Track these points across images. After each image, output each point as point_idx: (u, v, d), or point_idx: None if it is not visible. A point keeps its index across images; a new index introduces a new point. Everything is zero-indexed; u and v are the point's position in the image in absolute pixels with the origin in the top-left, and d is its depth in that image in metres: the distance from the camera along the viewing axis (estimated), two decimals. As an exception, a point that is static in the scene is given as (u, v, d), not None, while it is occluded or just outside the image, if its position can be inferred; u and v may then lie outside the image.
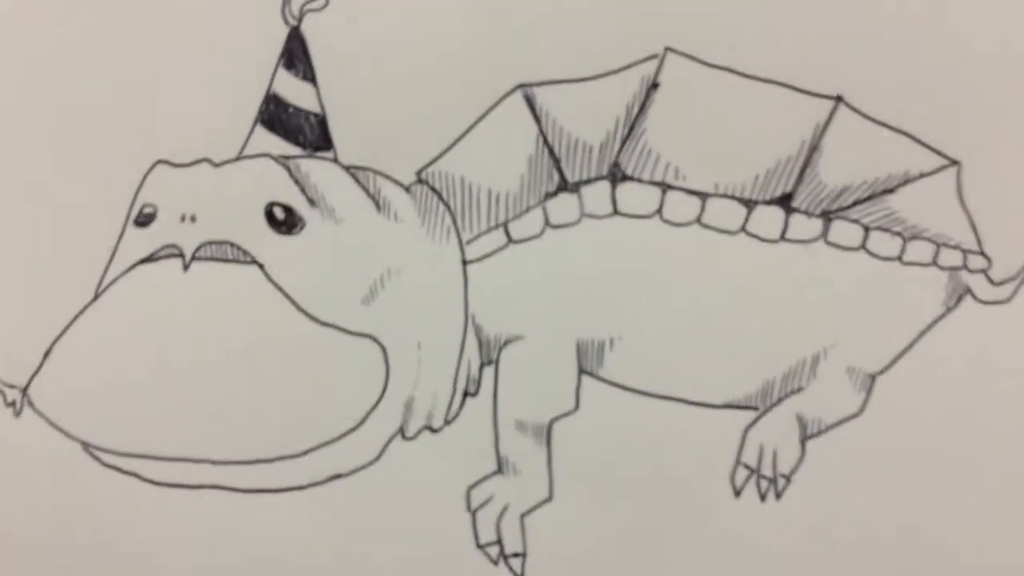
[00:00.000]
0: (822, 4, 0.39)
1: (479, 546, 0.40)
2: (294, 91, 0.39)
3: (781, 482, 0.40)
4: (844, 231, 0.39)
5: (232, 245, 0.38)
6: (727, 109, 0.39)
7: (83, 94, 0.39)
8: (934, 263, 0.39)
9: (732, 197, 0.39)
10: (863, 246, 0.39)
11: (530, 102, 0.39)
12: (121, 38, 0.39)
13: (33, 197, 0.39)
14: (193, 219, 0.38)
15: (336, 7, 0.39)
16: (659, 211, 0.39)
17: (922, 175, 0.39)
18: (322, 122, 0.39)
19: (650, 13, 0.39)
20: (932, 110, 0.39)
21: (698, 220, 0.39)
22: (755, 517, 0.40)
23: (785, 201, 0.39)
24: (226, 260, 0.38)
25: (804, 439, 0.40)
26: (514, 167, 0.39)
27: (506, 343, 0.40)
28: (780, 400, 0.40)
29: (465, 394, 0.40)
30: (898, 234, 0.39)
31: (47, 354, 0.39)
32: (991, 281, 0.39)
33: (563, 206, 0.39)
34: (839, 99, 0.39)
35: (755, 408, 0.40)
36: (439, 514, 0.40)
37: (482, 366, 0.40)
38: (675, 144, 0.39)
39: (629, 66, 0.39)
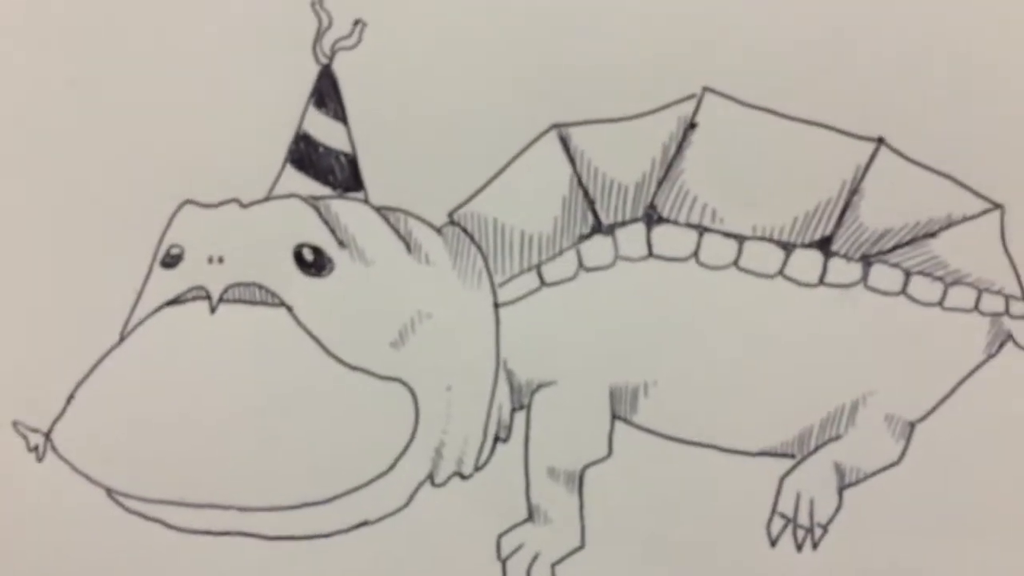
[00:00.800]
0: (863, 45, 0.38)
1: None
2: (325, 130, 0.39)
3: (818, 532, 0.39)
4: (884, 275, 0.38)
5: (260, 287, 0.37)
6: (766, 150, 0.38)
7: (110, 132, 0.38)
8: (976, 309, 0.38)
9: (770, 240, 0.38)
10: (903, 291, 0.38)
11: (565, 142, 0.39)
12: (149, 75, 0.38)
13: (58, 237, 0.38)
14: (221, 260, 0.38)
15: (368, 45, 0.38)
16: (695, 254, 0.38)
17: (965, 219, 0.39)
18: (353, 162, 0.39)
19: (688, 53, 0.38)
20: (975, 153, 0.38)
21: (735, 263, 0.38)
22: (791, 567, 0.39)
23: (824, 244, 0.38)
24: (254, 302, 0.37)
25: (842, 488, 0.39)
26: (548, 208, 0.39)
27: (538, 388, 0.39)
28: (817, 448, 0.39)
29: (496, 440, 0.39)
30: (939, 279, 0.39)
31: (71, 398, 0.38)
32: None
33: (597, 248, 0.39)
34: (880, 141, 0.38)
35: (792, 456, 0.39)
36: (469, 562, 0.39)
37: (513, 411, 0.39)
38: (712, 186, 0.38)
39: (666, 106, 0.38)
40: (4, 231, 0.39)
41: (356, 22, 0.38)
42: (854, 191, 0.39)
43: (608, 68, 0.38)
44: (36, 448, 0.38)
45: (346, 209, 0.39)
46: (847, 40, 0.38)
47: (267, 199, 0.38)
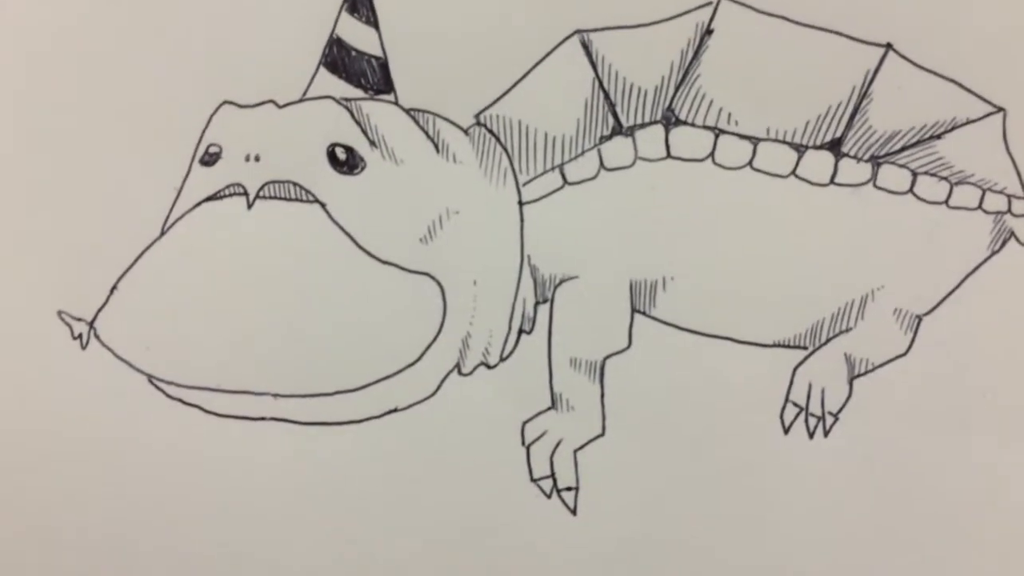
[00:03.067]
0: None
1: (533, 480, 0.40)
2: (357, 35, 0.40)
3: (829, 420, 0.40)
4: (892, 175, 0.40)
5: (295, 184, 0.38)
6: (779, 56, 0.39)
7: (150, 35, 0.39)
8: (980, 207, 0.39)
9: (783, 142, 0.39)
10: (911, 190, 0.39)
11: (586, 47, 0.39)
12: None
13: (100, 137, 0.39)
14: (257, 159, 0.39)
15: None
16: (711, 155, 0.39)
17: (968, 121, 0.39)
18: (384, 66, 0.40)
19: None
20: (979, 58, 0.39)
21: (750, 164, 0.39)
22: (803, 454, 0.40)
23: (835, 146, 0.40)
24: (289, 199, 0.38)
25: (852, 378, 0.40)
26: (570, 111, 0.40)
27: (561, 282, 0.40)
28: (829, 340, 0.40)
29: (520, 332, 0.40)
30: (945, 179, 0.40)
31: (113, 289, 0.39)
32: None
33: (618, 149, 0.40)
34: (889, 46, 0.39)
35: (804, 348, 0.40)
36: (494, 448, 0.40)
37: (537, 305, 0.40)
38: (728, 90, 0.39)
39: (684, 13, 0.39)
40: (51, 131, 0.40)
41: None
42: (863, 95, 0.40)
43: None
44: (80, 336, 0.40)
45: (377, 110, 0.40)
46: None
47: (302, 100, 0.39)
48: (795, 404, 0.41)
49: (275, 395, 0.40)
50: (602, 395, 0.41)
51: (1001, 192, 0.40)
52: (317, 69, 0.40)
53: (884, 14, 0.39)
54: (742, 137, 0.40)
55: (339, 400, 0.40)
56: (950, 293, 0.40)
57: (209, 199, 0.39)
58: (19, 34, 0.40)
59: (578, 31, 0.40)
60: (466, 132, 0.40)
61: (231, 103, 0.39)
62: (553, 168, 0.40)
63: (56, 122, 0.40)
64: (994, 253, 0.40)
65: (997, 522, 0.41)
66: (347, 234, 0.39)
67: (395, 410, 0.40)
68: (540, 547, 0.41)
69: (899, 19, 0.40)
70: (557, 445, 0.41)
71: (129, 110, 0.40)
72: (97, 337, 0.39)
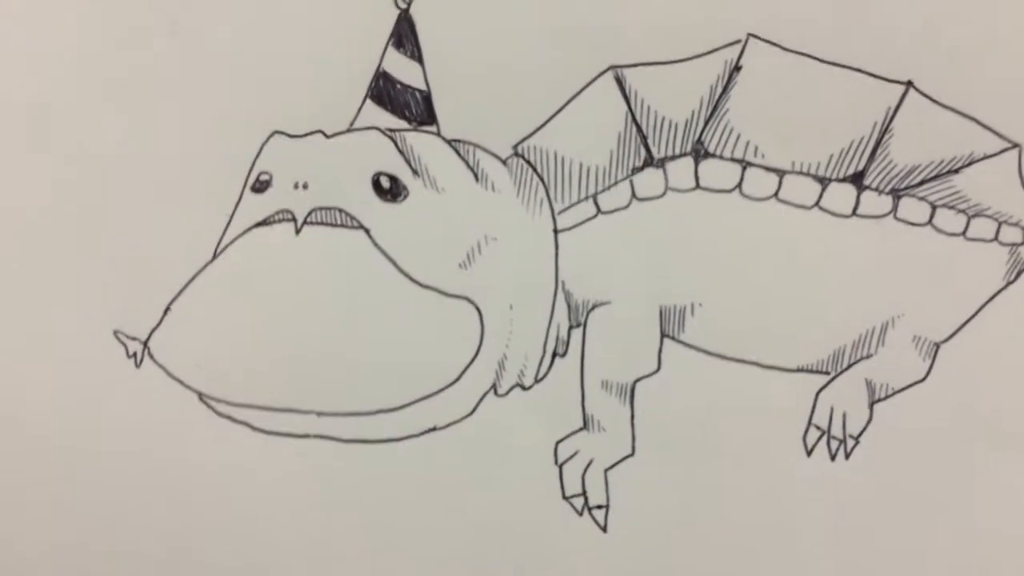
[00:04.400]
0: None
1: (565, 497, 0.42)
2: (402, 69, 0.41)
3: (850, 443, 0.42)
4: (912, 208, 0.41)
5: (341, 211, 0.40)
6: (804, 92, 0.41)
7: (207, 68, 0.41)
8: (996, 239, 0.41)
9: (807, 174, 0.41)
10: (930, 222, 0.41)
11: (620, 83, 0.41)
12: (246, 20, 0.41)
13: (157, 164, 0.41)
14: (306, 186, 0.40)
15: None
16: (739, 186, 0.41)
17: (985, 156, 0.41)
18: (427, 98, 0.41)
19: (734, 1, 0.42)
20: (996, 96, 0.40)
21: (775, 195, 0.41)
22: (825, 475, 0.41)
23: (857, 179, 0.41)
24: (335, 225, 0.40)
25: (872, 403, 0.42)
26: (604, 143, 0.41)
27: (593, 307, 0.41)
28: (850, 366, 0.41)
29: (554, 355, 0.42)
30: (963, 211, 0.41)
31: (167, 310, 0.41)
32: None
33: (649, 180, 0.41)
34: (909, 84, 0.40)
35: (827, 373, 0.42)
36: (528, 467, 0.42)
37: (571, 329, 0.42)
38: (755, 124, 0.41)
39: (714, 50, 0.40)
40: (111, 157, 0.41)
41: None
42: (885, 130, 0.41)
43: (661, 14, 0.41)
44: (135, 355, 0.41)
45: (420, 141, 0.41)
46: None
47: (349, 130, 0.41)
48: (817, 427, 0.42)
49: (319, 413, 0.42)
50: (632, 416, 0.42)
51: (1016, 224, 0.41)
52: (364, 101, 0.42)
53: (905, 53, 0.41)
54: (768, 170, 0.42)
55: (380, 418, 0.42)
56: (967, 321, 0.42)
57: (259, 224, 0.41)
58: (82, 65, 0.42)
59: (612, 67, 0.41)
60: (504, 162, 0.42)
61: (281, 133, 0.41)
62: (587, 198, 0.41)
63: (117, 149, 0.41)
64: (1010, 283, 0.42)
65: (1016, 544, 0.42)
66: (390, 259, 0.41)
67: (434, 429, 0.42)
68: (571, 562, 0.42)
69: (920, 58, 0.41)
70: (589, 464, 0.42)
71: (185, 139, 0.41)
72: (151, 356, 0.41)
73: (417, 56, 0.42)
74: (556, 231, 0.41)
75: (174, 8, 0.41)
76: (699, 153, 0.42)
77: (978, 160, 0.42)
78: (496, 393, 0.41)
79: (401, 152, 0.41)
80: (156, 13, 0.41)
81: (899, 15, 0.41)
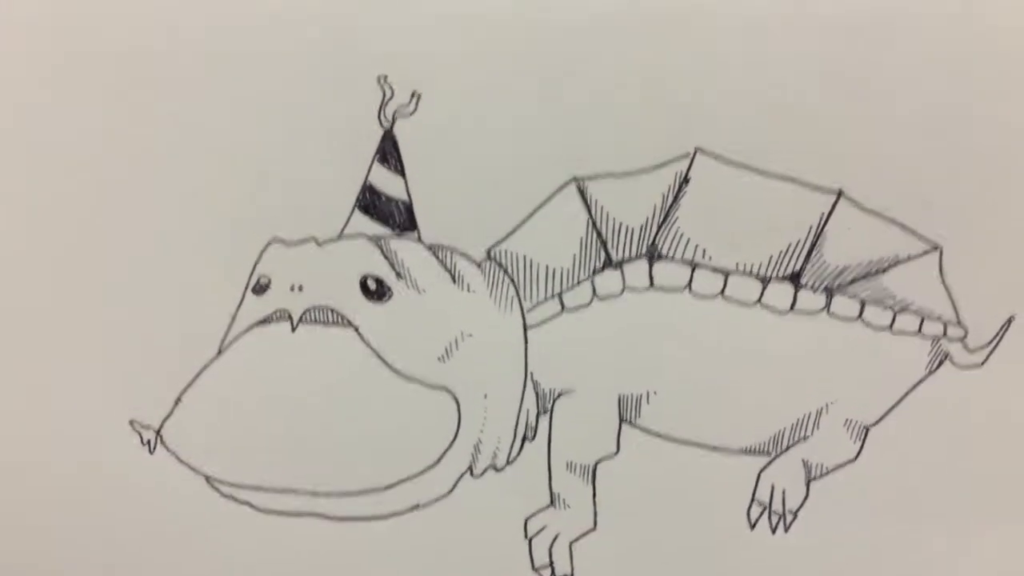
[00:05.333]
0: (827, 114, 0.44)
1: (534, 568, 0.46)
2: (386, 182, 0.46)
3: (789, 517, 0.46)
4: (844, 304, 0.45)
5: (332, 311, 0.45)
6: (747, 200, 0.45)
7: (214, 183, 0.45)
8: (919, 332, 0.45)
9: (750, 274, 0.45)
10: (860, 317, 0.45)
11: (582, 192, 0.45)
12: (249, 141, 0.45)
13: (166, 268, 0.45)
14: (301, 288, 0.45)
15: (423, 113, 0.45)
16: (689, 285, 0.45)
17: (909, 258, 0.45)
18: (409, 208, 0.46)
19: (683, 119, 0.45)
20: (918, 204, 0.45)
21: (721, 293, 0.45)
22: (767, 547, 0.46)
23: (795, 278, 0.46)
24: (327, 323, 0.45)
25: (809, 481, 0.46)
26: (568, 247, 0.46)
27: (559, 396, 0.46)
28: (789, 447, 0.46)
29: (524, 439, 0.46)
30: (889, 307, 0.45)
31: (177, 401, 0.45)
32: (967, 348, 0.45)
33: (608, 280, 0.46)
34: (840, 193, 0.45)
35: (768, 454, 0.46)
36: (501, 540, 0.46)
37: (539, 415, 0.46)
38: (703, 229, 0.45)
39: (665, 164, 0.45)
40: (128, 268, 0.45)
41: (413, 94, 0.45)
42: (819, 234, 0.46)
43: (618, 132, 0.45)
44: (148, 443, 0.46)
45: (403, 246, 0.46)
46: (813, 109, 0.45)
47: (339, 238, 0.45)
48: (760, 503, 0.47)
49: (314, 493, 0.46)
50: (594, 494, 0.46)
51: (938, 319, 0.46)
52: (352, 211, 0.46)
53: (836, 165, 0.46)
54: (715, 270, 0.46)
55: (369, 497, 0.46)
56: (894, 406, 0.46)
57: (260, 323, 0.45)
58: (87, 165, 0.46)
59: (575, 178, 0.46)
60: (479, 265, 0.46)
61: (279, 240, 0.46)
62: (553, 296, 0.46)
63: (130, 259, 0.46)
64: (932, 372, 0.46)
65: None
66: (376, 353, 0.45)
67: (417, 506, 0.46)
68: (541, 625, 0.48)
69: (850, 169, 0.46)
70: (555, 538, 0.46)
71: (193, 247, 0.46)
72: (163, 443, 0.46)
73: (400, 170, 0.46)
74: (525, 327, 0.46)
75: (181, 123, 0.46)
76: (653, 256, 0.46)
77: (903, 261, 0.46)
78: (472, 474, 0.46)
79: (386, 257, 0.46)
80: (165, 130, 0.46)
81: (830, 131, 0.46)
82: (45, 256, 0.46)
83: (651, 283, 0.46)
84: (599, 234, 0.46)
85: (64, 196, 0.46)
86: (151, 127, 0.46)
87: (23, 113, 0.45)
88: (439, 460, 0.45)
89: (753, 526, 0.46)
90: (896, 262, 0.46)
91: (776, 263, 0.46)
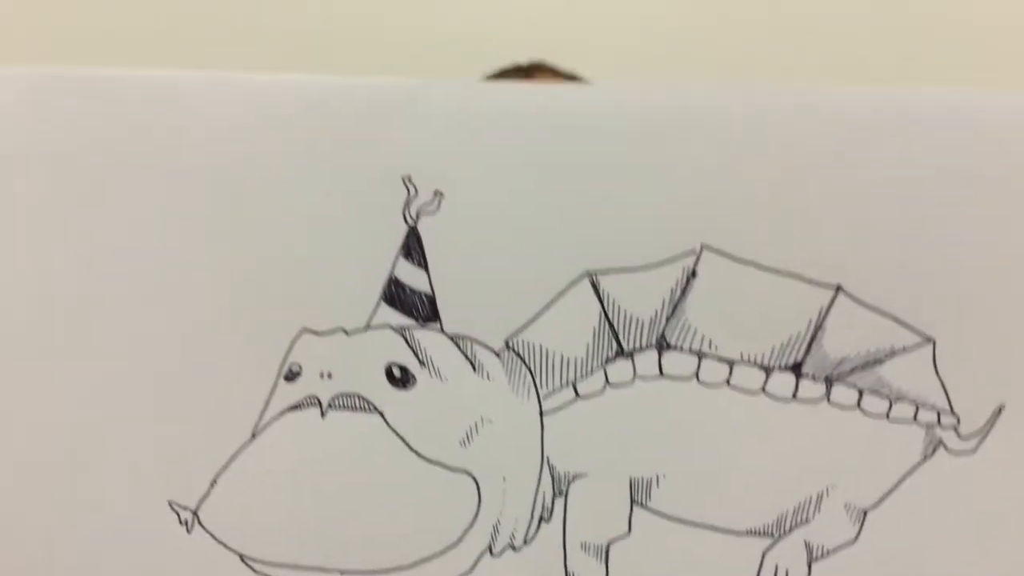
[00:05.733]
0: (827, 215, 0.47)
1: None
2: (411, 276, 0.49)
3: None
4: (843, 393, 0.48)
5: (359, 397, 0.47)
6: (750, 294, 0.48)
7: (249, 279, 0.48)
8: (915, 420, 0.48)
9: (754, 364, 0.48)
10: (858, 406, 0.48)
11: (595, 286, 0.48)
12: (282, 236, 0.48)
13: (204, 357, 0.48)
14: (330, 376, 0.48)
15: (446, 211, 0.48)
16: (696, 374, 0.48)
17: (905, 349, 0.48)
18: (432, 300, 0.49)
19: (690, 218, 0.48)
20: (913, 298, 0.48)
21: (727, 382, 0.48)
22: None
23: (796, 368, 0.48)
24: (355, 409, 0.48)
25: (810, 562, 0.49)
26: (581, 337, 0.48)
27: (573, 479, 0.48)
28: (791, 529, 0.48)
29: (541, 520, 0.48)
30: (886, 396, 0.48)
31: (213, 482, 0.48)
32: (960, 436, 0.48)
33: (620, 369, 0.49)
34: (839, 288, 0.48)
35: (771, 535, 0.48)
36: None
37: (555, 497, 0.48)
38: (709, 321, 0.48)
39: (673, 259, 0.48)
40: (167, 357, 0.48)
41: (435, 193, 0.48)
42: (819, 327, 0.49)
43: (629, 230, 0.48)
44: (186, 522, 0.48)
45: (426, 336, 0.49)
46: (813, 208, 0.48)
47: (366, 328, 0.48)
48: (764, 582, 0.50)
49: (342, 571, 0.48)
50: (607, 573, 0.49)
51: (932, 408, 0.48)
52: (378, 303, 0.49)
53: (836, 261, 0.48)
54: (720, 360, 0.49)
55: (394, 575, 0.49)
56: (891, 491, 0.49)
57: (291, 408, 0.48)
58: (130, 257, 0.49)
59: (588, 273, 0.49)
60: (497, 354, 0.49)
61: (309, 331, 0.48)
62: (567, 384, 0.49)
63: (171, 344, 0.48)
64: (927, 458, 0.48)
65: None
66: (401, 438, 0.48)
67: (439, 583, 0.49)
68: None
69: (849, 266, 0.48)
70: (570, 615, 0.50)
71: (228, 335, 0.48)
72: (200, 523, 0.48)
73: (423, 265, 0.49)
74: (542, 413, 0.49)
75: (218, 221, 0.49)
76: (662, 346, 0.49)
77: (898, 352, 0.49)
78: (491, 553, 0.48)
79: (410, 346, 0.49)
80: (203, 227, 0.49)
81: (829, 230, 0.48)
82: (85, 342, 0.49)
83: (660, 372, 0.49)
84: (611, 325, 0.49)
85: (106, 283, 0.49)
86: (189, 224, 0.49)
87: (65, 204, 0.49)
88: (460, 539, 0.48)
89: (758, 605, 0.49)
90: (892, 353, 0.49)
91: (779, 354, 0.49)
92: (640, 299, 0.49)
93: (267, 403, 0.48)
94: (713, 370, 0.48)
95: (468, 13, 1.27)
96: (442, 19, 1.27)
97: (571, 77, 1.05)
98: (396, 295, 0.49)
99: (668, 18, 1.28)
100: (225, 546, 0.48)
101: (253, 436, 0.48)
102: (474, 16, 1.27)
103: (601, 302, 0.49)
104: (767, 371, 0.49)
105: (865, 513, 0.48)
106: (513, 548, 0.49)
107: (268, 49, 1.23)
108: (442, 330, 0.49)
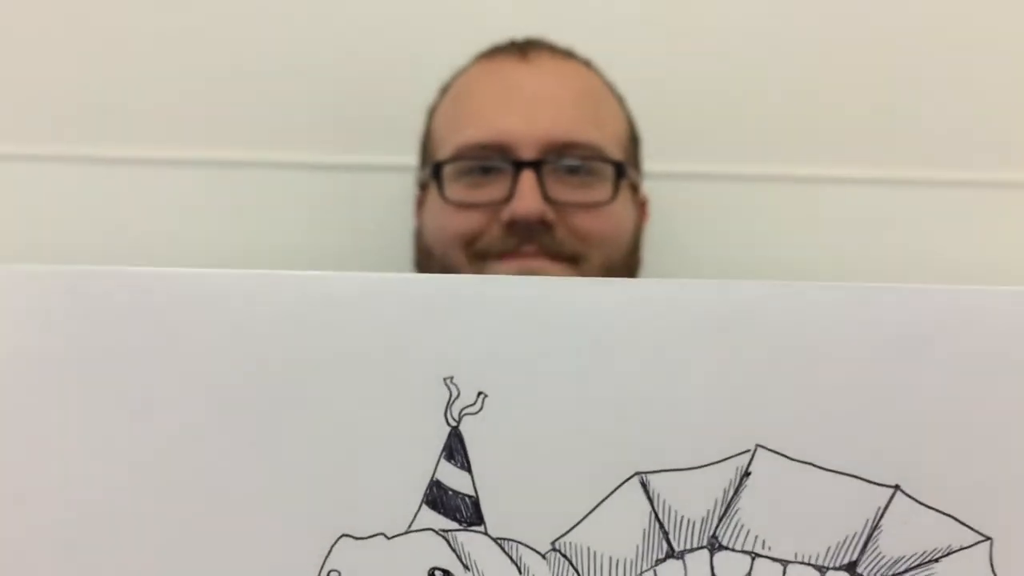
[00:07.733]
0: (882, 415, 0.47)
1: None
2: (453, 478, 0.47)
3: None
4: None
5: None
6: (805, 493, 0.46)
7: (286, 482, 0.46)
8: None
9: (808, 563, 0.46)
10: None
11: (645, 486, 0.47)
12: (322, 439, 0.46)
13: (242, 565, 0.46)
14: None
15: (488, 411, 0.46)
16: (749, 575, 0.49)
17: (961, 548, 0.47)
18: (475, 503, 0.47)
19: (745, 417, 0.47)
20: (971, 496, 0.47)
21: None
22: None
23: (851, 568, 0.47)
24: None
25: None
26: (631, 538, 0.47)
27: None
28: None
29: None
30: None
31: None
32: None
33: (670, 570, 0.47)
34: (897, 488, 0.47)
35: None
36: None
37: None
38: (762, 520, 0.46)
39: (726, 458, 0.46)
40: (205, 563, 0.47)
41: (479, 394, 0.46)
42: (875, 527, 0.48)
43: (680, 428, 0.47)
44: None
45: (469, 539, 0.47)
46: (868, 410, 0.46)
47: (407, 532, 0.47)
48: None
49: None
50: None
51: None
52: (420, 506, 0.47)
53: (894, 463, 0.47)
54: (774, 560, 0.47)
55: None
56: None
57: (331, 619, 0.47)
58: (160, 465, 0.47)
59: (638, 472, 0.47)
60: (543, 556, 0.47)
61: (348, 535, 0.47)
62: None
63: (208, 552, 0.47)
64: None
65: None
66: None
67: None
68: None
69: (906, 467, 0.47)
70: None
71: (267, 541, 0.46)
72: None
73: (466, 466, 0.47)
74: (590, 617, 0.48)
75: (255, 425, 0.47)
76: (714, 546, 0.48)
77: (955, 551, 0.48)
78: None
79: (454, 550, 0.47)
80: (239, 432, 0.47)
81: (888, 430, 0.47)
82: (121, 545, 0.47)
83: (712, 573, 0.47)
84: (661, 525, 0.48)
85: (145, 487, 0.47)
86: (229, 428, 0.47)
87: (113, 414, 0.47)
88: None
89: None
90: (949, 552, 0.48)
91: (834, 553, 0.47)
92: (691, 498, 0.47)
93: (306, 612, 0.47)
94: (767, 570, 0.47)
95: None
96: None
97: (567, 54, 1.02)
98: (439, 498, 0.47)
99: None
100: None
101: (293, 649, 0.47)
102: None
103: (651, 502, 0.47)
104: (822, 571, 0.47)
105: None
106: None
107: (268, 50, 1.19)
108: (486, 533, 0.47)
